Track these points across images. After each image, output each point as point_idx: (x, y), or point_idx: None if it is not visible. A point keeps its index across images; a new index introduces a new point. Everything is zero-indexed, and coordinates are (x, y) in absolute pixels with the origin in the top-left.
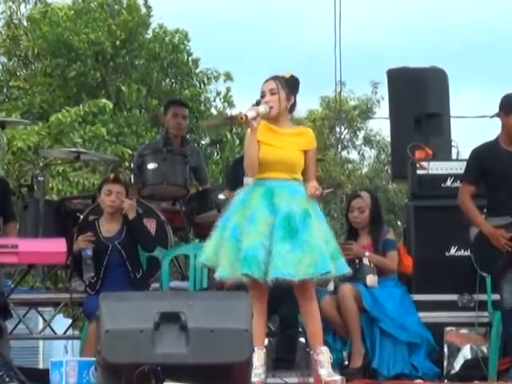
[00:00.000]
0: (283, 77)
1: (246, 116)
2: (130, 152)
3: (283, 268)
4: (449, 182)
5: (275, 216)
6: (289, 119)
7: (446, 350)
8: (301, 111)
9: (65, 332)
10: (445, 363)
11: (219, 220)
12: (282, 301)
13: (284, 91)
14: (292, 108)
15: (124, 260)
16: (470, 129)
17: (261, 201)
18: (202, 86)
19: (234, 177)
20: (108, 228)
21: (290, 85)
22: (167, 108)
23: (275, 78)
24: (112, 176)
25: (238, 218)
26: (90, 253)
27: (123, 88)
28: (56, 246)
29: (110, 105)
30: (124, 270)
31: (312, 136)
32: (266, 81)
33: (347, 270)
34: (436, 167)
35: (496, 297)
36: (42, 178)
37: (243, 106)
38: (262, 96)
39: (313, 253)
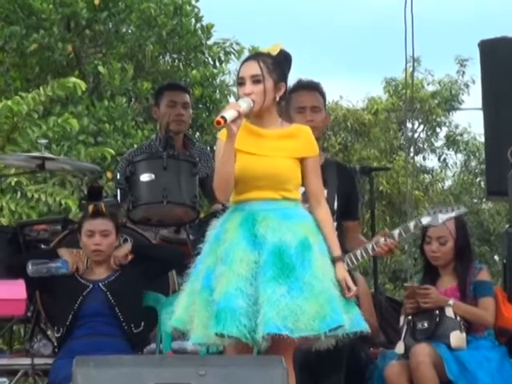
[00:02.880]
0: (269, 54)
1: (223, 118)
2: (113, 153)
3: (277, 319)
4: None
5: (260, 251)
6: (276, 114)
7: None
8: (356, 99)
9: None
10: None
11: (192, 266)
12: (326, 371)
13: (272, 78)
14: (282, 98)
15: (110, 306)
16: None
17: (238, 232)
18: (218, 64)
19: None
20: (93, 272)
21: (280, 66)
22: (159, 96)
23: (258, 58)
24: (91, 208)
25: (211, 260)
26: (60, 264)
27: (101, 69)
28: (11, 291)
29: (83, 86)
30: (108, 320)
31: (310, 137)
32: (245, 61)
33: (364, 327)
34: None
35: None
36: None
37: None
38: (240, 84)
39: (318, 300)
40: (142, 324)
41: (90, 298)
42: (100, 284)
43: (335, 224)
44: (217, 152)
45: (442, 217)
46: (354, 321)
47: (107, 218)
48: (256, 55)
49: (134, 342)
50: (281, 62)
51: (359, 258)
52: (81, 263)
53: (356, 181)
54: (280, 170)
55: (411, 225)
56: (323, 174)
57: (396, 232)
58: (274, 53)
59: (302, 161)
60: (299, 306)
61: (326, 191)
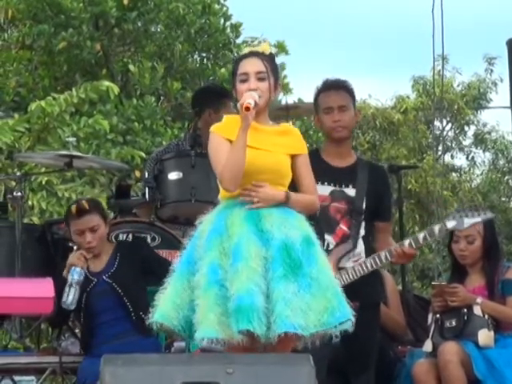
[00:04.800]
0: (263, 53)
1: (250, 104)
2: (143, 155)
3: (292, 318)
4: None
5: (267, 247)
6: (267, 114)
7: None
8: (384, 97)
9: None
10: None
11: (176, 260)
12: (354, 369)
13: (273, 76)
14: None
15: (119, 297)
16: None
17: (245, 226)
18: None
19: None
20: (94, 263)
21: (276, 67)
22: (217, 104)
23: (260, 56)
24: (74, 208)
25: (214, 254)
26: (77, 276)
27: (130, 67)
28: (39, 290)
29: (116, 89)
30: (122, 312)
31: (300, 136)
32: (246, 57)
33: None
34: None
35: None
36: (18, 194)
37: (302, 89)
38: (243, 80)
39: (325, 295)
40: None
41: (98, 292)
42: (104, 277)
43: (363, 224)
44: (214, 145)
45: (467, 221)
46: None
47: (92, 213)
48: (255, 53)
49: (145, 329)
50: (275, 62)
51: (383, 260)
52: (83, 258)
53: (389, 182)
54: (281, 165)
55: (436, 228)
56: (354, 174)
57: (421, 235)
58: (267, 52)
59: (294, 158)
60: (307, 304)
61: (354, 190)
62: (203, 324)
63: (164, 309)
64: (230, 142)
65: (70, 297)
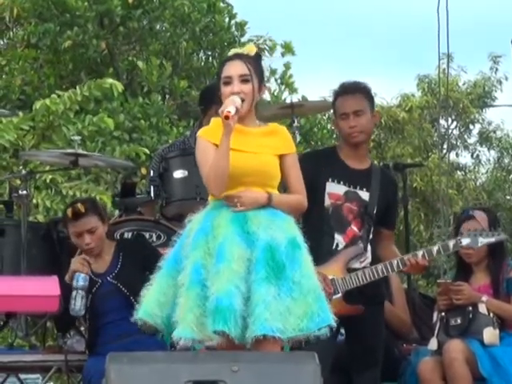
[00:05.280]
0: (248, 55)
1: (229, 112)
2: (148, 153)
3: (271, 321)
4: None
5: (252, 248)
6: (255, 115)
7: None
8: (389, 96)
9: None
10: None
11: (162, 259)
12: (359, 367)
13: (257, 78)
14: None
15: (125, 297)
16: None
17: (231, 228)
18: None
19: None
20: (97, 264)
21: (260, 67)
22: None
23: (243, 58)
24: (70, 212)
25: (198, 254)
26: (83, 282)
27: (139, 63)
28: (45, 288)
29: (120, 87)
30: (128, 312)
31: (287, 135)
32: (230, 60)
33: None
34: None
35: None
36: (23, 192)
37: (307, 88)
38: (226, 83)
39: (306, 300)
40: None
41: (104, 293)
42: (108, 278)
43: (371, 229)
44: (201, 150)
45: (481, 240)
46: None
47: (89, 215)
48: (239, 55)
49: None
50: (259, 63)
51: (395, 268)
52: (87, 263)
53: (397, 190)
54: (268, 166)
55: (451, 244)
56: (369, 177)
57: (435, 249)
58: (252, 53)
59: (281, 158)
60: (287, 308)
61: (368, 194)
62: (181, 324)
63: (148, 306)
64: (217, 146)
65: (78, 304)
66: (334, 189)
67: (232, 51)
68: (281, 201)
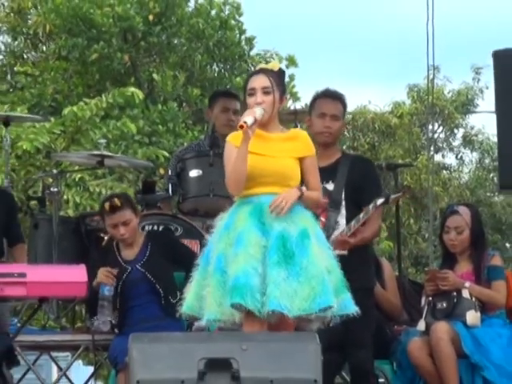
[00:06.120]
0: (272, 70)
1: (245, 123)
2: (167, 155)
3: (280, 298)
4: None
5: (267, 237)
6: (278, 122)
7: None
8: (382, 103)
9: (85, 383)
10: None
11: (199, 257)
12: (353, 346)
13: (278, 90)
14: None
15: (151, 284)
16: None
17: (248, 220)
18: None
19: None
20: (128, 252)
21: (282, 81)
22: (214, 101)
23: (267, 73)
24: (107, 205)
25: (221, 245)
26: (108, 292)
27: (155, 76)
28: (74, 275)
29: (141, 95)
30: (154, 297)
31: (307, 140)
32: (255, 74)
33: (354, 310)
34: None
35: None
36: (55, 189)
37: (309, 97)
38: (250, 94)
39: (310, 283)
40: (178, 294)
41: (132, 279)
42: (137, 266)
43: (344, 213)
44: (227, 153)
45: (392, 197)
46: (343, 304)
47: (124, 208)
48: (263, 70)
49: (169, 312)
50: (282, 78)
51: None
52: (111, 275)
53: (372, 171)
54: (285, 168)
55: (371, 206)
56: (334, 170)
57: (361, 215)
58: (275, 69)
59: (301, 160)
60: (294, 290)
61: (333, 185)
62: (207, 309)
63: (189, 300)
64: None
65: (106, 313)
66: None
67: (258, 66)
68: (308, 195)
